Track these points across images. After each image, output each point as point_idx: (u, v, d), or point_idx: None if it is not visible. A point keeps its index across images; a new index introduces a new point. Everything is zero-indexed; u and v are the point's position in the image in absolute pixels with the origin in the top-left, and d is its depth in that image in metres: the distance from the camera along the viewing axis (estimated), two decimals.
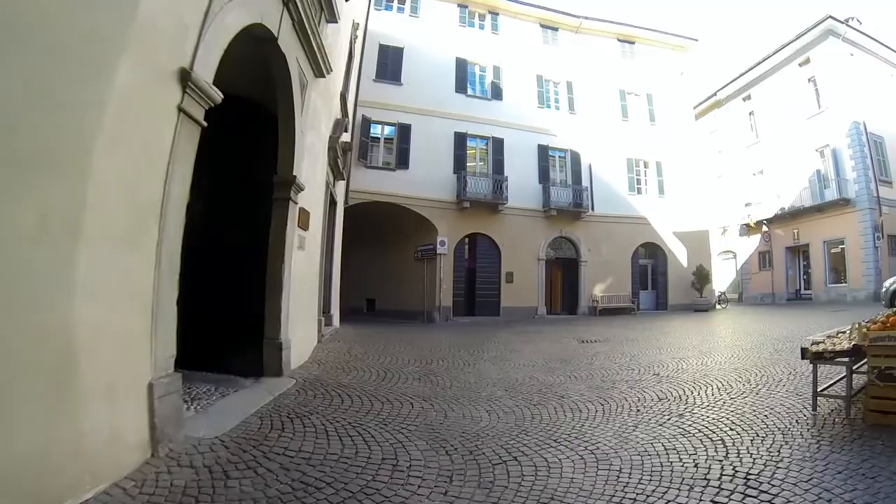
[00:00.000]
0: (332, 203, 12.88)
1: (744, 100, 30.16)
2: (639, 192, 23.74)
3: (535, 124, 22.37)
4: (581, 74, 23.93)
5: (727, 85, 31.05)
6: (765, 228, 27.88)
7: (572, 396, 6.19)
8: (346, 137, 13.86)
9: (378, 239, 23.58)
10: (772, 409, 5.15)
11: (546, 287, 21.49)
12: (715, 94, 31.55)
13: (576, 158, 22.83)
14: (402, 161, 20.51)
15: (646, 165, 24.28)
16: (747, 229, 28.99)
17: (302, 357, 7.86)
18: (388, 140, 20.80)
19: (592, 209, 22.19)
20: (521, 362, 8.75)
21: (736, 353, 9.06)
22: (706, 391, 6.18)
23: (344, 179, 14.25)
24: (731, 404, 5.47)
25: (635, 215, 23.14)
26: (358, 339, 11.61)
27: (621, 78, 24.75)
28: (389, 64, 20.90)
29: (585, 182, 22.45)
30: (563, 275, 22.40)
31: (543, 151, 22.27)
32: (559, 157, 22.86)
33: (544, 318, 20.47)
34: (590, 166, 22.87)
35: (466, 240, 20.87)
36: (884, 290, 14.96)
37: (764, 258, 28.53)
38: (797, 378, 6.46)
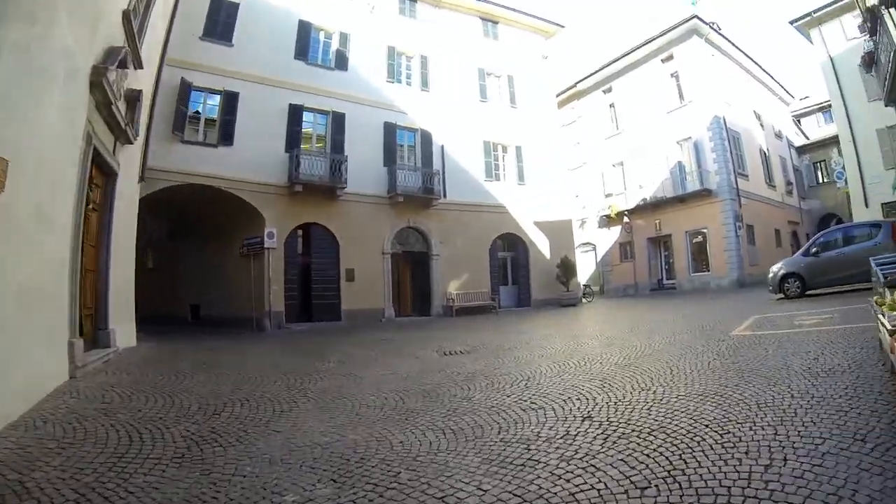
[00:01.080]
0: (107, 174, 9.99)
1: (604, 92, 30.45)
2: (497, 178, 22.60)
3: (382, 100, 20.34)
4: (438, 50, 22.34)
5: (588, 76, 31.25)
6: (626, 220, 28.10)
7: (462, 492, 3.19)
8: (141, 86, 11.07)
9: (202, 233, 20.45)
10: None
11: (393, 285, 19.58)
12: (575, 85, 31.65)
13: (427, 139, 21.07)
14: (227, 136, 17.43)
15: (504, 150, 23.18)
16: (607, 220, 29.16)
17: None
18: (210, 111, 17.68)
19: (445, 196, 20.57)
20: (363, 401, 6.05)
21: (657, 365, 6.68)
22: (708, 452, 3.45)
23: (132, 144, 11.07)
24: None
25: (493, 203, 21.94)
26: (140, 367, 8.53)
27: (482, 57, 23.57)
28: (221, 20, 17.73)
29: (437, 165, 20.81)
30: (413, 271, 20.68)
31: (391, 130, 20.25)
32: (409, 136, 21.00)
33: (393, 321, 18.50)
34: (442, 148, 21.23)
35: (300, 231, 18.34)
36: (770, 275, 14.64)
37: (625, 249, 28.81)
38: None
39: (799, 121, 39.40)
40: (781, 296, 14.11)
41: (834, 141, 35.89)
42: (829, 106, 41.40)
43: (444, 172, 20.83)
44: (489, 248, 21.68)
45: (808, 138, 38.77)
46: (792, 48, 75.79)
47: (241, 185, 17.19)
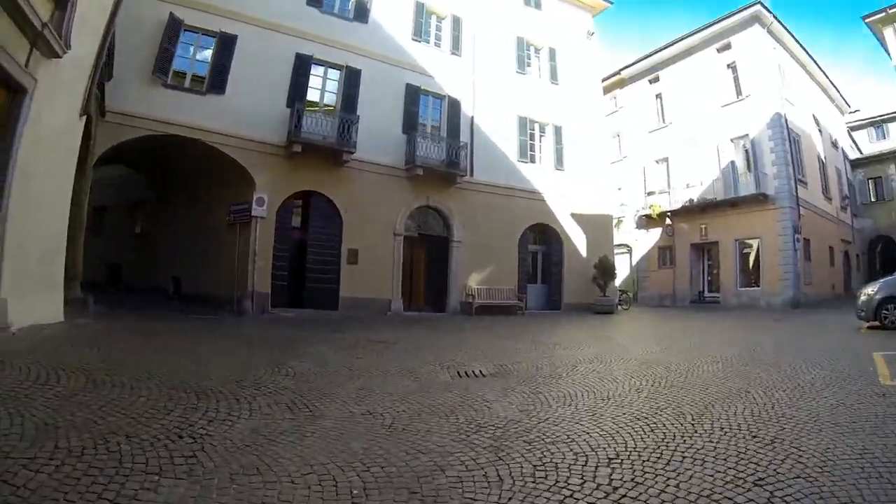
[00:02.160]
0: (9, 88, 6.96)
1: (651, 81, 26.58)
2: (532, 160, 18.81)
3: (406, 59, 16.69)
4: (473, 12, 18.63)
5: (634, 64, 27.37)
6: (668, 222, 24.22)
7: None
8: None
9: (190, 196, 17.01)
10: None
11: (404, 273, 15.85)
12: (619, 72, 27.73)
13: (455, 108, 17.40)
14: (217, 83, 14.03)
15: (542, 130, 19.42)
16: (647, 221, 25.27)
17: None
18: (202, 54, 14.31)
19: (472, 174, 16.85)
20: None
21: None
22: None
23: (60, 58, 7.66)
24: None
25: (526, 188, 18.19)
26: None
27: (521, 26, 19.79)
28: None
29: (465, 138, 17.12)
30: (429, 258, 16.85)
31: (413, 94, 16.62)
32: (434, 103, 17.32)
33: (400, 315, 14.89)
34: (472, 120, 17.56)
35: (297, 201, 14.81)
36: (863, 298, 11.14)
37: (665, 255, 24.93)
38: None
39: (851, 133, 35.40)
40: (876, 323, 10.69)
41: (892, 157, 32.22)
42: (884, 120, 38.11)
43: (472, 147, 17.09)
44: (519, 239, 17.87)
45: (861, 152, 34.75)
46: (840, 54, 71.23)
47: (229, 141, 13.70)
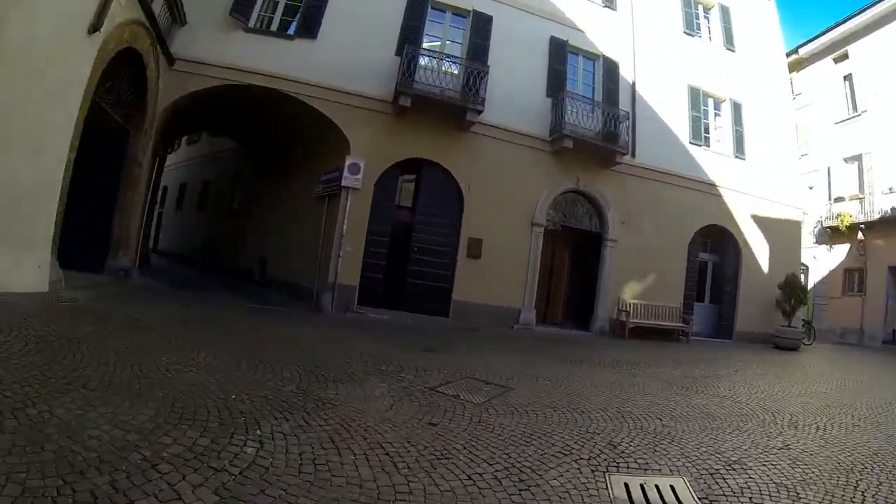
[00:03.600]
0: None
1: (836, 60, 20.09)
2: (706, 142, 13.47)
3: (548, 8, 12.23)
4: None
5: (814, 39, 20.95)
6: (860, 237, 17.92)
7: None
8: None
9: (281, 166, 13.52)
10: None
11: (542, 276, 11.15)
12: (795, 50, 21.41)
13: (612, 72, 12.65)
14: (309, 26, 10.51)
15: (717, 107, 14.11)
16: (830, 235, 18.92)
17: None
18: None
19: (633, 154, 12.06)
20: None
21: None
22: None
23: None
24: None
25: (698, 178, 12.85)
26: None
27: None
28: None
29: (625, 106, 12.45)
30: (574, 259, 12.16)
31: (559, 50, 12.06)
32: (585, 64, 12.65)
33: (531, 331, 10.33)
34: (633, 87, 12.72)
35: (402, 171, 10.64)
36: None
37: (852, 278, 18.43)
38: None
39: None
40: None
41: None
42: None
43: (633, 120, 12.41)
44: (688, 244, 12.70)
45: None
46: None
47: (319, 93, 10.02)
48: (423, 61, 10.50)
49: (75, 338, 4.45)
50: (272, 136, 13.10)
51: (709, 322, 13.18)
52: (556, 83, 11.77)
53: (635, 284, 11.75)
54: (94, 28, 6.72)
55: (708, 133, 13.61)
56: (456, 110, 10.29)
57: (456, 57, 11.04)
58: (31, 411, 2.69)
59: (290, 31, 10.74)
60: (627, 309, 11.33)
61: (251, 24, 10.72)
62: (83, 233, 9.20)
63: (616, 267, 11.59)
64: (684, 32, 14.12)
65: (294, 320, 8.20)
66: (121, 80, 8.95)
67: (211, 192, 18.49)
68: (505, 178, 10.64)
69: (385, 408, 3.83)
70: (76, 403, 2.92)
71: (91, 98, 7.37)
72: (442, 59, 10.82)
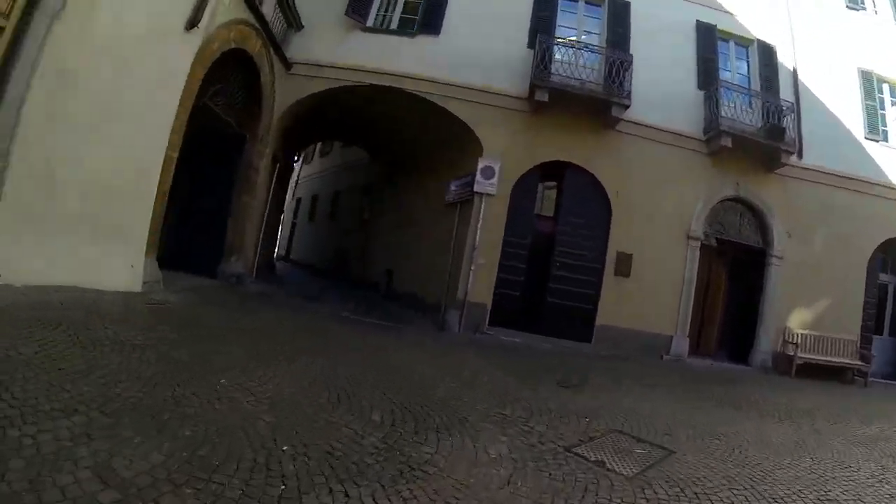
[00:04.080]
0: None
1: None
2: (884, 137, 11.24)
3: None
4: None
5: None
6: None
7: None
8: None
9: (410, 173, 12.74)
10: None
11: (696, 299, 9.43)
12: None
13: (768, 57, 10.62)
14: (431, 22, 9.62)
15: (894, 93, 11.98)
16: None
17: None
18: None
19: (800, 154, 10.12)
20: None
21: None
22: None
23: None
24: None
25: (879, 181, 10.47)
26: None
27: None
28: None
29: (787, 95, 10.40)
30: (732, 278, 10.11)
31: (707, 35, 10.26)
32: (737, 51, 10.80)
33: (683, 363, 8.67)
34: (794, 74, 10.73)
35: (542, 176, 9.25)
36: None
37: None
38: None
39: None
40: None
41: None
42: None
43: (798, 110, 10.52)
44: (867, 262, 10.34)
45: None
46: None
47: (445, 90, 8.97)
48: (558, 55, 9.16)
49: (135, 343, 3.77)
50: (400, 142, 12.29)
51: (889, 359, 10.88)
52: (707, 73, 10.01)
53: (804, 311, 9.73)
54: (192, 24, 6.24)
55: (885, 126, 11.34)
56: (599, 105, 8.84)
57: (595, 46, 9.60)
58: (12, 433, 2.13)
59: (413, 28, 9.83)
60: (796, 341, 9.38)
61: (369, 23, 10.05)
62: (199, 236, 8.92)
63: (782, 289, 9.61)
64: (847, 6, 11.88)
65: (412, 340, 7.12)
66: (231, 82, 8.47)
67: (342, 202, 18.09)
68: (656, 184, 9.05)
69: (500, 482, 2.65)
70: (73, 431, 2.27)
71: (194, 97, 6.86)
72: (579, 50, 9.42)
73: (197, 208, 9.19)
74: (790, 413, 5.78)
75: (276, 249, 16.71)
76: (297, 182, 23.68)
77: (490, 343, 7.85)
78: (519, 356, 7.07)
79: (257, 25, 8.14)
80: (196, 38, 6.47)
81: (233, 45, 7.64)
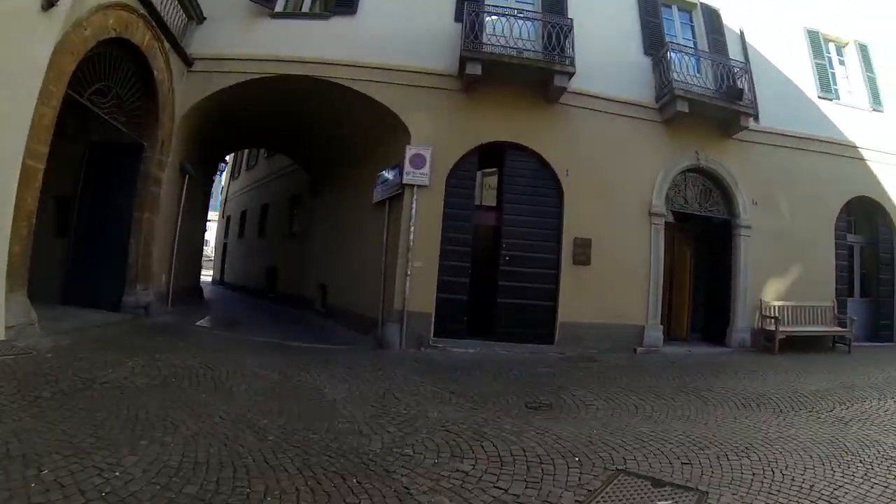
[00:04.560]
0: None
1: None
2: (836, 95, 10.57)
3: None
4: None
5: None
6: None
7: None
8: None
9: (336, 176, 11.30)
10: None
11: (666, 281, 8.42)
12: None
13: (713, 22, 9.73)
14: (346, 1, 8.30)
15: (840, 51, 11.10)
16: None
17: None
18: None
19: (756, 118, 9.29)
20: None
21: None
22: None
23: None
24: None
25: (836, 140, 9.83)
26: None
27: None
28: None
29: (736, 58, 9.45)
30: (699, 256, 9.25)
31: (650, 3, 9.61)
32: (680, 16, 9.98)
33: (660, 353, 7.65)
34: (741, 36, 9.94)
35: (481, 162, 8.06)
36: None
37: None
38: None
39: None
40: None
41: None
42: None
43: (750, 72, 9.66)
44: (833, 224, 9.70)
45: None
46: None
47: (364, 74, 7.76)
48: (489, 27, 8.08)
49: None
50: (324, 141, 10.86)
51: (864, 321, 10.18)
52: (653, 38, 9.11)
53: (778, 282, 8.92)
54: (49, 2, 4.74)
55: (836, 85, 10.74)
56: (539, 76, 7.74)
57: (530, 11, 8.56)
58: None
59: (327, 10, 8.59)
60: (774, 314, 8.57)
61: (278, 7, 8.76)
62: (98, 264, 7.73)
63: (753, 261, 8.73)
64: None
65: (342, 368, 5.77)
66: (118, 81, 7.13)
67: (270, 216, 16.50)
68: (610, 159, 8.01)
69: None
70: None
71: (62, 95, 5.58)
72: (513, 18, 8.35)
73: (95, 232, 7.85)
74: (800, 400, 4.99)
75: (204, 273, 15.16)
76: (225, 200, 22.44)
77: (437, 359, 6.62)
78: (472, 373, 5.87)
79: (144, 12, 6.77)
80: (57, 22, 5.08)
81: (113, 34, 6.33)
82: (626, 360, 7.24)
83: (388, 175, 7.88)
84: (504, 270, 7.54)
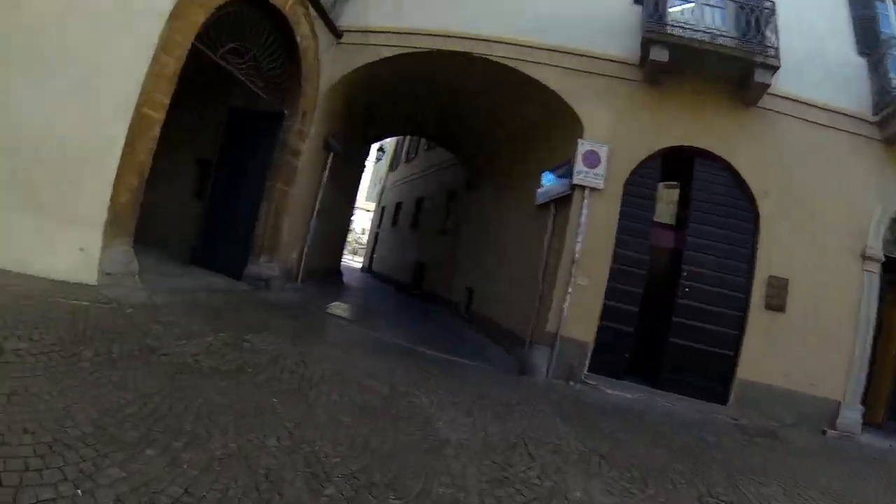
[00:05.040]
0: None
1: None
2: None
3: None
4: None
5: None
6: None
7: None
8: None
9: (495, 171, 10.17)
10: None
11: (872, 346, 6.52)
12: None
13: None
14: None
15: None
16: None
17: None
18: None
19: None
20: None
21: None
22: None
23: None
24: None
25: None
26: None
27: None
28: None
29: None
30: None
31: None
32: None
33: (855, 440, 5.85)
34: None
35: (662, 162, 6.41)
36: None
37: None
38: None
39: None
40: None
41: None
42: None
43: None
44: None
45: None
46: None
47: (533, 55, 6.50)
48: (674, 10, 6.59)
49: None
50: (478, 132, 9.86)
51: None
52: (867, 34, 7.38)
53: None
54: None
55: None
56: (737, 69, 6.18)
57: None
58: None
59: None
60: None
61: None
62: (227, 230, 7.55)
63: None
64: None
65: (474, 392, 4.64)
66: (257, 43, 6.66)
67: (423, 210, 15.65)
68: (817, 182, 6.33)
69: None
70: None
71: (188, 46, 5.22)
72: (702, 5, 6.77)
73: (229, 197, 7.73)
74: None
75: (353, 259, 14.65)
76: (382, 190, 22.55)
77: (588, 399, 5.33)
78: (630, 427, 4.57)
79: None
80: None
81: None
82: (815, 443, 5.61)
83: (555, 174, 6.54)
84: (681, 304, 6.03)
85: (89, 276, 4.44)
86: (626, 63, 6.44)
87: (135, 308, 4.29)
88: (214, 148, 7.97)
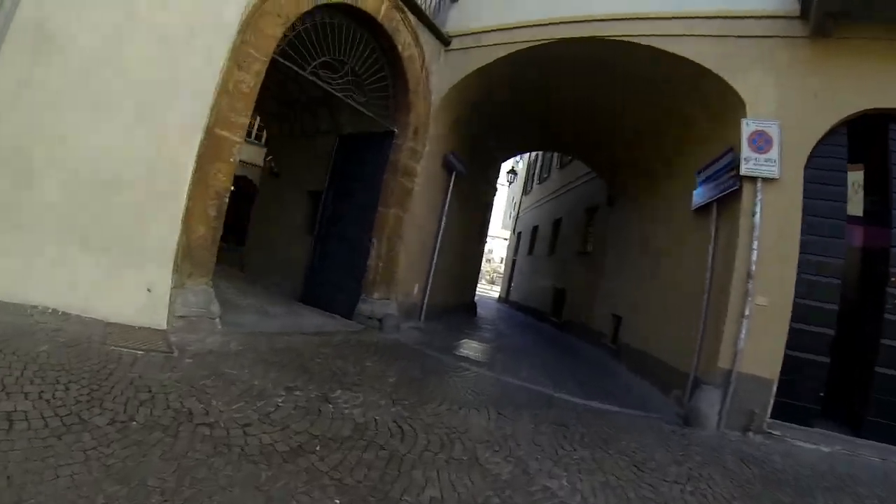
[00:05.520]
0: None
1: None
2: None
3: None
4: None
5: None
6: None
7: None
8: None
9: (639, 180, 8.94)
10: None
11: None
12: None
13: None
14: None
15: None
16: None
17: None
18: None
19: None
20: None
21: None
22: None
23: None
24: None
25: None
26: None
27: None
28: None
29: None
30: None
31: None
32: None
33: None
34: None
35: (847, 139, 4.96)
36: None
37: None
38: None
39: None
40: None
41: None
42: None
43: None
44: None
45: None
46: None
47: (670, 28, 5.38)
48: None
49: None
50: (613, 134, 8.84)
51: None
52: None
53: None
54: None
55: None
56: None
57: None
58: None
59: None
60: None
61: None
62: (336, 264, 7.27)
63: None
64: None
65: (627, 460, 3.55)
66: (353, 55, 6.37)
67: (561, 232, 14.71)
68: None
69: None
70: None
71: (268, 60, 4.93)
72: None
73: (338, 228, 7.41)
74: None
75: (490, 289, 14.34)
76: (517, 216, 22.00)
77: (773, 459, 4.05)
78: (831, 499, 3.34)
79: None
80: None
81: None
82: None
83: (713, 168, 5.44)
84: (891, 321, 4.59)
85: (158, 319, 4.11)
86: (784, 17, 5.12)
87: (197, 357, 3.80)
88: (324, 178, 7.75)
